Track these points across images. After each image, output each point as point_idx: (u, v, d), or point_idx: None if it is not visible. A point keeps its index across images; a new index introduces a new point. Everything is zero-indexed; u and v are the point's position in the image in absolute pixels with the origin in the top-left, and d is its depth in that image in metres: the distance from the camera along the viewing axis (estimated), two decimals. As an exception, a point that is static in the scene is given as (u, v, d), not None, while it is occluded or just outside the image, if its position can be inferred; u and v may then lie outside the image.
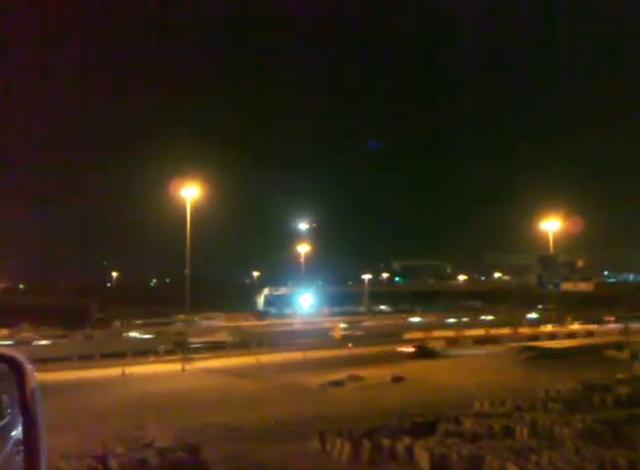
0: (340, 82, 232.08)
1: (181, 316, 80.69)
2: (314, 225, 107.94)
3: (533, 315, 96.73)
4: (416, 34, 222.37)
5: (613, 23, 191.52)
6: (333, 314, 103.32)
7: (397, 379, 37.80)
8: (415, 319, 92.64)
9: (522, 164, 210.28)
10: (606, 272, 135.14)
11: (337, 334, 71.55)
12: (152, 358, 51.41)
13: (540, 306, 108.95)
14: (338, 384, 36.63)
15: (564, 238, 76.12)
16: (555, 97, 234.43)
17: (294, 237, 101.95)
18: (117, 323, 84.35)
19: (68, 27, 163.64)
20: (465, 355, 51.46)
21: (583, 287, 76.92)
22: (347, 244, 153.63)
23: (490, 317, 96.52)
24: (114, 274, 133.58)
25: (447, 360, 48.68)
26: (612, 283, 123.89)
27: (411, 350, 53.07)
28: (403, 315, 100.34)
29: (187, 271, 54.44)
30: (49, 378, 37.41)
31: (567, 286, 74.33)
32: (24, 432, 1.84)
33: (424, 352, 51.93)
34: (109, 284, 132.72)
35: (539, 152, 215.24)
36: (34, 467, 1.87)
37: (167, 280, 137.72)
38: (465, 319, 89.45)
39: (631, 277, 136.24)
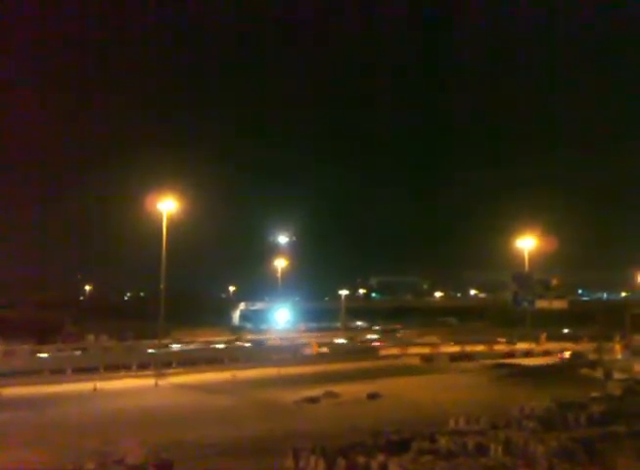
0: (324, 96, 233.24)
1: None
2: (293, 239, 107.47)
3: (373, 336, 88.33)
4: (413, 40, 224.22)
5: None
6: (309, 330, 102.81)
7: (373, 396, 37.62)
8: None
9: (498, 184, 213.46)
10: (580, 291, 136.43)
11: (314, 350, 71.13)
12: (123, 373, 50.49)
13: (399, 327, 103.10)
14: (313, 400, 36.38)
15: (539, 256, 76.96)
16: (534, 119, 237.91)
17: (272, 251, 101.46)
18: (91, 337, 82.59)
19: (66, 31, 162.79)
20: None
21: (558, 305, 77.40)
22: (325, 259, 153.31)
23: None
24: (88, 288, 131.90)
25: (424, 377, 48.55)
26: (586, 301, 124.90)
27: (567, 356, 59.52)
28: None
29: (162, 286, 53.93)
30: (19, 392, 36.80)
31: (541, 304, 74.75)
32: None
33: (576, 358, 57.49)
34: (82, 298, 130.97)
35: (516, 172, 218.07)
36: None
37: (142, 294, 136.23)
38: None
39: (605, 296, 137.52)
